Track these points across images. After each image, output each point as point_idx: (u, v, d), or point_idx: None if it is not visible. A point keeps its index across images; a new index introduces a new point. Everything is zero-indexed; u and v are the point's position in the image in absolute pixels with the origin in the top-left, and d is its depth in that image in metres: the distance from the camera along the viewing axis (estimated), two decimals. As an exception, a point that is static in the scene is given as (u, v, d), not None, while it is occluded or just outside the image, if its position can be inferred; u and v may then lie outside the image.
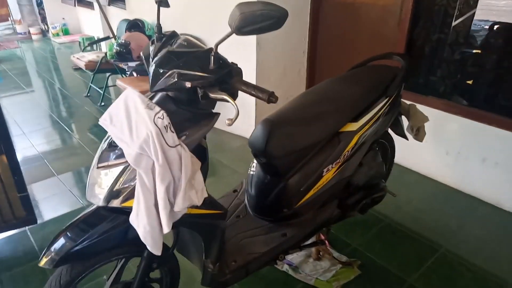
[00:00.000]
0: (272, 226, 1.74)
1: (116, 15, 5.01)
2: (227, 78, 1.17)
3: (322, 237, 2.10)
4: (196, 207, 1.27)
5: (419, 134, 2.06)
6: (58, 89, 4.99)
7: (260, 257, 1.64)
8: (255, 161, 1.77)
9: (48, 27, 7.70)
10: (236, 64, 1.23)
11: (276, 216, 1.75)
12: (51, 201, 2.66)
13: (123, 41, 3.93)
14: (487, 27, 2.60)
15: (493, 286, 1.93)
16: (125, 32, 4.28)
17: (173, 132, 1.14)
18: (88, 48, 5.54)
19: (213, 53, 1.13)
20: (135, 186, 1.15)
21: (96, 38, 6.03)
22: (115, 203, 1.19)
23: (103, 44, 5.59)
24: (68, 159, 3.23)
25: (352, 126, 1.72)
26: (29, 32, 7.83)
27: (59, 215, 2.48)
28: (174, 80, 1.15)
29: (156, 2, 1.44)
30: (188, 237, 1.58)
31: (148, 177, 1.13)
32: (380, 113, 1.80)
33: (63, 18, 7.54)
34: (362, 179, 1.87)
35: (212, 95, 1.13)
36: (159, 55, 1.25)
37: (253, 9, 0.99)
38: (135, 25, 4.29)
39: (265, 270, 2.01)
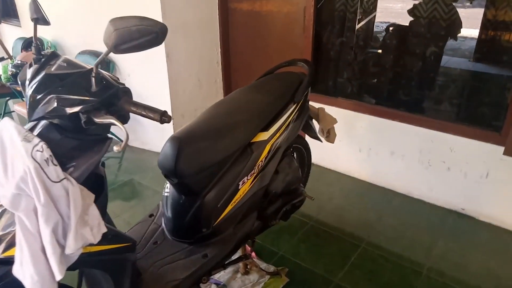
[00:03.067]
0: (192, 248, 1.66)
1: (10, 33, 4.55)
2: (114, 99, 1.07)
3: (248, 249, 2.06)
4: (97, 243, 1.14)
5: (329, 136, 2.12)
6: None
7: (181, 284, 1.54)
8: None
9: None
10: (123, 84, 1.14)
11: (195, 237, 1.66)
12: None
13: (19, 62, 3.55)
14: (384, 28, 2.80)
15: (412, 272, 2.04)
16: (21, 51, 3.89)
17: (56, 165, 1.01)
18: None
19: (93, 74, 1.02)
20: (16, 232, 0.99)
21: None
22: (-5, 254, 1.02)
23: (-2, 65, 5.04)
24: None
25: (263, 136, 1.70)
26: None
27: None
28: (53, 107, 1.03)
29: (31, 20, 1.29)
30: (97, 275, 1.43)
31: (30, 219, 0.99)
32: (289, 119, 1.82)
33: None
34: (279, 187, 1.87)
35: (97, 120, 1.02)
36: (36, 79, 1.11)
37: (128, 25, 0.91)
38: (31, 44, 3.91)
39: (192, 293, 1.91)
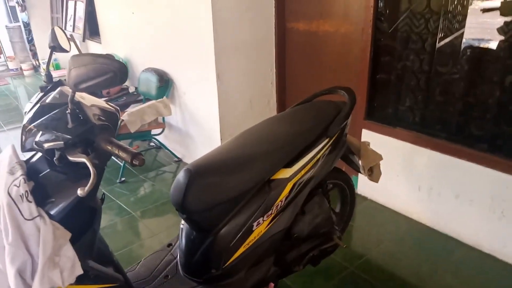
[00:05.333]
0: (200, 289, 1.54)
1: (93, 49, 4.98)
2: (91, 136, 1.02)
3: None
4: (78, 283, 1.08)
5: (373, 174, 1.86)
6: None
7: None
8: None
9: (39, 63, 7.76)
10: (109, 118, 1.07)
11: (205, 277, 1.55)
12: None
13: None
14: (456, 52, 2.43)
15: None
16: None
17: (30, 202, 0.98)
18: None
19: (69, 111, 0.97)
20: (-12, 267, 0.98)
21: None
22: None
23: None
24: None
25: (285, 173, 1.53)
26: (21, 68, 7.90)
27: None
28: (36, 140, 1.00)
29: (49, 47, 1.31)
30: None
31: (0, 257, 0.96)
32: (319, 155, 1.62)
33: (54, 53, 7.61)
34: (305, 230, 1.67)
35: (70, 157, 0.97)
36: (34, 108, 1.11)
37: (84, 63, 0.84)
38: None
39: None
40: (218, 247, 1.48)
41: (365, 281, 2.07)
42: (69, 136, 0.97)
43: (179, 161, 3.68)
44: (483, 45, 2.17)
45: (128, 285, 1.29)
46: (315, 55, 2.98)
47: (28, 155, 1.19)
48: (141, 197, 3.13)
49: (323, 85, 2.68)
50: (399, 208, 2.65)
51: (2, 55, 8.13)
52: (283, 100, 3.34)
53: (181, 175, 1.42)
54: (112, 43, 4.46)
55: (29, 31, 7.65)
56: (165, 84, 3.43)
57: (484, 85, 2.17)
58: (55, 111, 1.02)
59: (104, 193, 1.28)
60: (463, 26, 2.21)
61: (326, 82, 2.92)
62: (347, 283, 2.07)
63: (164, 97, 3.39)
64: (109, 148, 0.99)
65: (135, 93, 4.07)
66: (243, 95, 3.10)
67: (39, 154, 1.13)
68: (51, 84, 1.22)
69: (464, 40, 2.24)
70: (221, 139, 3.08)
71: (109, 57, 0.88)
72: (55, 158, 0.99)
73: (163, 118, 3.59)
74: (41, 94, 1.18)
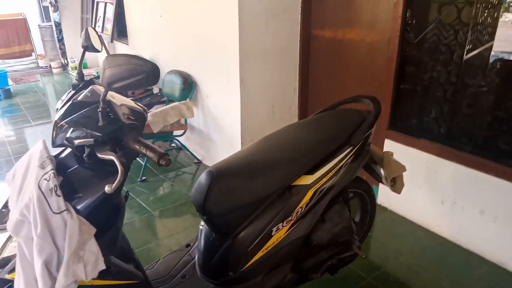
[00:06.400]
0: (217, 291, 1.55)
1: (120, 50, 5.10)
2: (120, 135, 1.04)
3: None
4: (100, 278, 1.11)
5: (395, 185, 1.84)
6: (62, 122, 5.06)
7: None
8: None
9: (67, 61, 7.99)
10: (138, 117, 1.10)
11: (222, 280, 1.56)
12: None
13: (118, 77, 3.94)
14: (485, 63, 2.37)
15: None
16: (123, 68, 4.31)
17: (59, 196, 1.01)
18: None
19: (100, 109, 1.00)
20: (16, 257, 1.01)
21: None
22: (1, 273, 1.06)
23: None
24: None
25: (307, 179, 1.53)
26: (50, 66, 8.15)
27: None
28: (67, 136, 1.03)
29: (82, 47, 1.35)
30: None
31: (28, 247, 0.99)
32: (341, 164, 1.61)
33: (82, 53, 7.83)
34: (324, 238, 1.66)
35: (99, 155, 1.00)
36: (66, 105, 1.14)
37: (118, 63, 0.86)
38: (133, 61, 4.31)
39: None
40: (236, 250, 1.49)
41: (383, 294, 2.04)
42: (99, 134, 1.00)
43: (199, 163, 3.72)
44: (512, 58, 2.12)
45: (147, 283, 1.31)
46: (339, 64, 2.97)
47: (57, 151, 1.22)
48: (160, 196, 3.17)
49: (346, 94, 2.67)
50: (419, 221, 2.60)
51: (33, 53, 8.41)
52: (305, 106, 3.33)
53: (203, 177, 1.44)
54: (139, 44, 4.56)
55: (59, 31, 7.89)
56: (188, 86, 3.48)
57: (514, 99, 2.12)
58: (86, 109, 1.05)
59: (127, 191, 1.31)
60: (493, 39, 2.16)
61: (349, 90, 2.90)
62: (363, 295, 2.04)
63: (187, 99, 3.44)
64: (137, 147, 1.02)
65: (159, 94, 4.14)
66: (265, 100, 3.11)
67: (68, 150, 1.17)
68: (82, 83, 1.26)
69: (492, 52, 2.19)
70: (241, 143, 3.09)
71: (142, 58, 0.91)
72: (84, 154, 1.02)
73: (185, 120, 3.64)
74: (73, 92, 1.22)
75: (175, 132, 3.68)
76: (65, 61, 8.13)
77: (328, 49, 3.02)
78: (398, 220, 2.67)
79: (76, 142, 0.99)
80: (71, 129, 1.03)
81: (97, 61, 7.76)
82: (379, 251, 2.37)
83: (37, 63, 8.49)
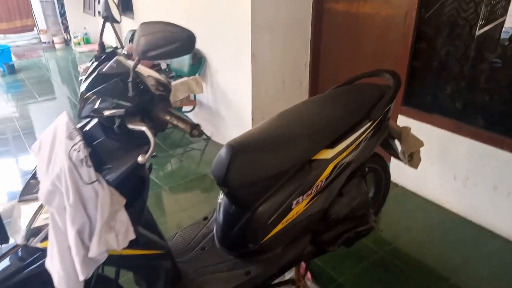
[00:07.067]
0: (237, 262, 1.58)
1: (126, 25, 5.02)
2: (150, 106, 1.03)
3: (303, 268, 1.91)
4: (129, 247, 1.13)
5: (412, 160, 1.84)
6: (70, 98, 5.04)
7: (220, 298, 1.47)
8: (222, 188, 1.62)
9: (70, 37, 7.88)
10: (170, 88, 1.09)
11: (242, 251, 1.58)
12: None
13: (125, 52, 3.88)
14: (505, 38, 2.32)
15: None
16: (129, 43, 4.25)
17: (89, 167, 1.01)
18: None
19: (130, 79, 0.99)
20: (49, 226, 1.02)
21: (112, 47, 6.08)
22: (34, 242, 1.07)
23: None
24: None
25: (327, 154, 1.53)
26: (52, 41, 8.05)
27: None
28: (95, 107, 1.03)
29: (102, 17, 1.32)
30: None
31: (61, 217, 1.00)
32: (361, 138, 1.60)
33: (85, 28, 7.71)
34: (342, 211, 1.67)
35: (129, 125, 0.99)
36: (91, 76, 1.13)
37: (154, 31, 0.84)
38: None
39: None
40: (256, 223, 1.50)
41: (395, 266, 2.07)
42: (129, 104, 0.99)
43: (208, 139, 3.72)
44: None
45: (169, 253, 1.33)
46: (352, 38, 2.91)
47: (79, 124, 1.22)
48: (170, 172, 3.19)
49: (358, 70, 2.64)
50: (431, 197, 2.61)
51: (35, 28, 8.28)
52: (316, 82, 3.30)
53: (223, 151, 1.44)
54: (146, 19, 4.47)
55: (61, 5, 7.75)
56: (197, 61, 3.44)
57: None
58: (114, 79, 1.04)
59: (151, 164, 1.31)
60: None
61: (362, 66, 2.87)
62: (376, 267, 2.07)
63: (197, 75, 3.40)
64: (168, 118, 1.01)
65: (167, 70, 4.10)
66: (276, 75, 3.08)
67: (93, 122, 1.16)
68: (104, 54, 1.24)
69: (504, 28, 2.15)
70: (252, 119, 3.08)
71: (179, 26, 0.89)
72: (115, 125, 1.02)
73: (194, 96, 3.61)
74: (96, 63, 1.20)
75: (184, 108, 3.67)
76: (68, 36, 8.02)
77: (341, 23, 2.96)
78: (409, 196, 2.69)
79: (106, 113, 0.99)
80: (99, 100, 1.02)
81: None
82: (390, 226, 2.40)
83: (39, 38, 8.38)
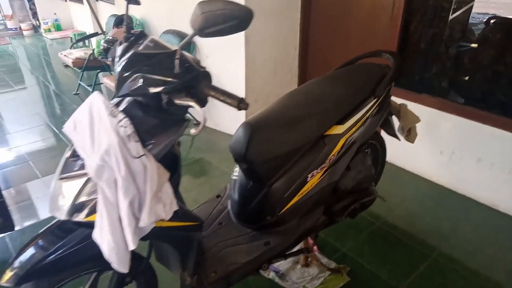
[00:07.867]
0: (255, 234, 1.66)
1: (106, 10, 4.90)
2: (195, 82, 1.08)
3: (310, 242, 2.02)
4: (168, 219, 1.18)
5: (410, 135, 1.97)
6: (46, 86, 4.89)
7: (242, 268, 1.56)
8: (237, 165, 1.69)
9: (39, 23, 7.57)
10: (204, 68, 1.14)
11: (259, 224, 1.67)
12: (33, 205, 2.57)
13: (110, 38, 3.81)
14: (484, 21, 2.50)
15: (487, 293, 1.86)
16: (113, 28, 4.17)
17: (137, 142, 1.06)
18: (80, 44, 5.43)
19: (177, 56, 1.04)
20: (97, 200, 1.06)
21: (86, 34, 5.91)
22: (79, 217, 1.11)
23: (93, 40, 5.48)
24: (54, 160, 3.14)
25: (338, 129, 1.63)
26: (20, 28, 7.70)
27: (40, 221, 2.39)
28: (138, 85, 1.06)
29: (125, -1, 1.34)
30: (165, 247, 1.49)
31: (111, 190, 1.05)
32: (368, 114, 1.72)
33: (55, 14, 7.41)
34: (350, 184, 1.79)
35: (177, 101, 1.04)
36: (125, 57, 1.16)
37: (214, 9, 0.90)
38: (122, 21, 4.17)
39: (251, 277, 1.93)
40: (274, 196, 1.59)
41: (392, 235, 2.23)
42: (176, 81, 1.04)
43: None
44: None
45: (202, 225, 1.40)
46: (341, 22, 3.01)
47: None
48: (166, 157, 3.20)
49: (347, 53, 2.75)
50: (419, 171, 2.79)
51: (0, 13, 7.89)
52: (305, 66, 3.39)
53: (241, 129, 1.51)
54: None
55: (29, -11, 7.42)
56: (187, 47, 3.44)
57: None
58: (158, 57, 1.08)
59: (180, 141, 1.36)
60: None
61: (350, 51, 2.98)
62: (375, 237, 2.22)
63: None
64: (213, 94, 1.07)
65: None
66: (268, 59, 3.14)
67: (126, 101, 1.19)
68: (132, 35, 1.26)
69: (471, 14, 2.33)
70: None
71: (237, 3, 0.94)
72: (163, 101, 1.06)
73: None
74: (126, 44, 1.22)
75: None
76: (37, 22, 7.70)
77: (330, 7, 3.04)
78: (399, 172, 2.86)
79: (152, 90, 1.03)
80: (141, 79, 1.06)
81: (71, 23, 7.40)
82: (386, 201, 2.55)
83: (5, 24, 7.98)
